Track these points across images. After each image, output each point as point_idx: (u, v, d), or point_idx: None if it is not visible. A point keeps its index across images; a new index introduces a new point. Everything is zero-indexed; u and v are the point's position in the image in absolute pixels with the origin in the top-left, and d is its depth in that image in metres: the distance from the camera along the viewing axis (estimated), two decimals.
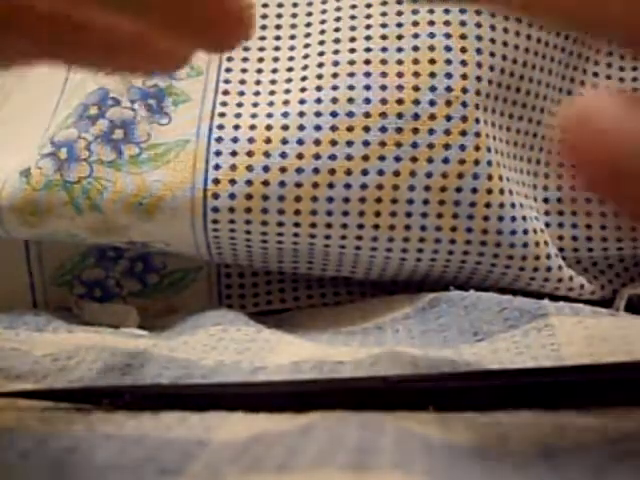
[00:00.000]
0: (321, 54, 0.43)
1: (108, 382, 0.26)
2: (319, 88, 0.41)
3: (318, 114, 0.40)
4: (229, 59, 0.44)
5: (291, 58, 0.44)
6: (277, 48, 0.44)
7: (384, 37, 0.42)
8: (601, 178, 0.16)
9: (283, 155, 0.40)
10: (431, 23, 0.42)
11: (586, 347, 0.28)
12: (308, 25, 0.45)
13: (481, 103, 0.41)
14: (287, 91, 0.42)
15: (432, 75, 0.41)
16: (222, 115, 0.41)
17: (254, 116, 0.41)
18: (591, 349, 0.28)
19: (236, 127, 0.41)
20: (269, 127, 0.40)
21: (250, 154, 0.40)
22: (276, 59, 0.44)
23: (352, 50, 0.42)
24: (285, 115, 0.41)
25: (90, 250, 0.45)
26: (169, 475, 0.17)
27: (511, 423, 0.20)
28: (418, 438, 0.18)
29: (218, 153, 0.40)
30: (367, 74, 0.41)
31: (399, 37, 0.42)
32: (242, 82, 0.43)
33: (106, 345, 0.31)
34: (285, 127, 0.40)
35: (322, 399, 0.22)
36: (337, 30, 0.43)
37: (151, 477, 0.17)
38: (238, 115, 0.41)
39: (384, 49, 0.42)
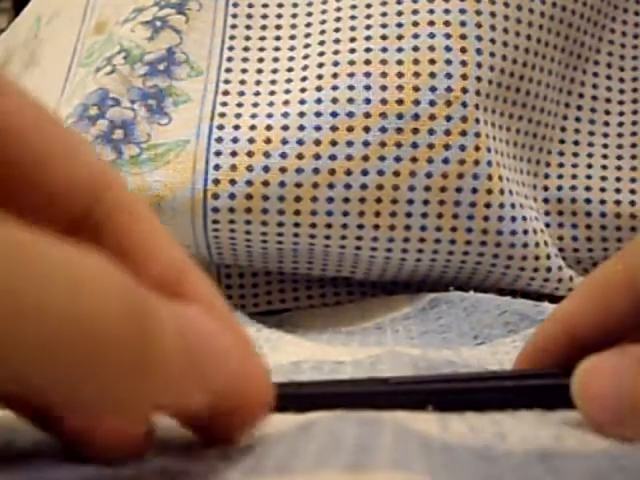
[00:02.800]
0: (321, 54, 0.43)
1: None
2: (319, 88, 0.41)
3: (318, 114, 0.40)
4: (229, 59, 0.44)
5: (291, 58, 0.44)
6: (277, 48, 0.44)
7: (384, 37, 0.42)
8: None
9: (283, 155, 0.40)
10: (431, 23, 0.42)
11: None
12: (308, 25, 0.45)
13: (481, 103, 0.41)
14: (287, 91, 0.42)
15: (432, 75, 0.41)
16: (222, 115, 0.41)
17: (254, 116, 0.41)
18: None
19: (236, 127, 0.41)
20: (269, 127, 0.40)
21: (250, 154, 0.40)
22: (276, 59, 0.44)
23: (352, 50, 0.42)
24: (285, 115, 0.41)
25: None
26: (169, 475, 0.17)
27: (511, 423, 0.20)
28: (418, 438, 0.18)
29: (218, 153, 0.40)
30: (367, 74, 0.41)
31: (399, 37, 0.42)
32: (242, 82, 0.43)
33: None
34: (285, 127, 0.40)
35: (323, 400, 0.22)
36: (337, 30, 0.43)
37: (151, 477, 0.17)
38: (238, 115, 0.41)
39: (384, 49, 0.42)
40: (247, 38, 0.45)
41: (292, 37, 0.45)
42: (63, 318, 0.13)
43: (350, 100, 0.41)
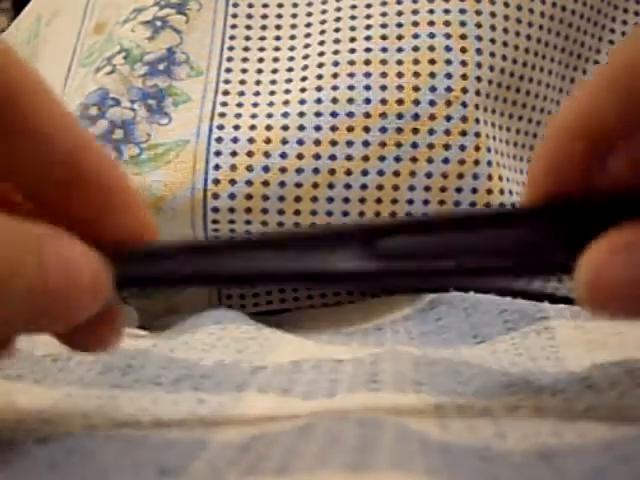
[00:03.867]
0: (321, 54, 0.43)
1: (108, 382, 0.26)
2: (319, 88, 0.41)
3: (318, 114, 0.40)
4: (229, 59, 0.44)
5: (291, 58, 0.44)
6: (277, 48, 0.44)
7: (384, 37, 0.42)
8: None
9: (283, 155, 0.40)
10: (431, 23, 0.42)
11: (586, 352, 0.28)
12: (308, 25, 0.45)
13: (481, 103, 0.41)
14: (287, 91, 0.42)
15: (432, 75, 0.41)
16: (222, 115, 0.41)
17: (254, 116, 0.41)
18: (590, 354, 0.28)
19: (236, 127, 0.41)
20: (269, 127, 0.40)
21: (250, 154, 0.40)
22: (276, 59, 0.44)
23: (352, 50, 0.42)
24: (285, 115, 0.41)
25: None
26: (169, 475, 0.17)
27: (511, 422, 0.20)
28: (417, 437, 0.18)
29: (218, 153, 0.40)
30: (367, 74, 0.41)
31: (399, 37, 0.42)
32: (242, 82, 0.43)
33: None
34: (285, 127, 0.40)
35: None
36: (337, 30, 0.43)
37: (151, 477, 0.17)
38: (238, 115, 0.41)
39: (384, 49, 0.42)
40: (247, 38, 0.45)
41: (292, 37, 0.45)
42: None
43: (350, 100, 0.41)
